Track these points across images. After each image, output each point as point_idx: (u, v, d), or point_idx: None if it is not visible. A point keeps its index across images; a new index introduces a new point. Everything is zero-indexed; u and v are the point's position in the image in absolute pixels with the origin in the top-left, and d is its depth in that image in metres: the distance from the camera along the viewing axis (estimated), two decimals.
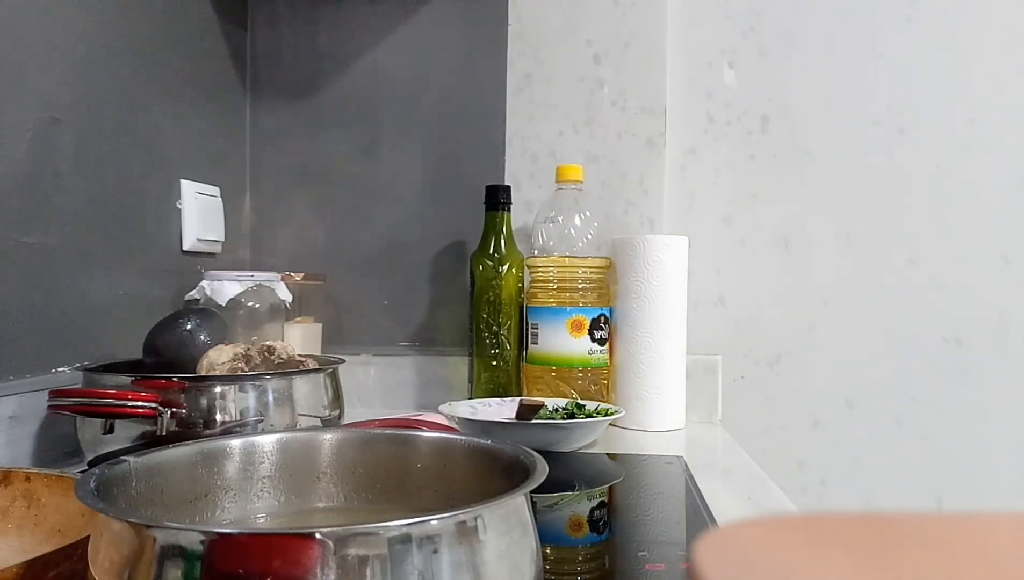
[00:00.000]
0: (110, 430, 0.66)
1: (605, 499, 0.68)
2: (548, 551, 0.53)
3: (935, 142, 1.08)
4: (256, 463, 0.48)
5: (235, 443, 0.48)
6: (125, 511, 0.34)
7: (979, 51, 1.07)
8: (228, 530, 0.36)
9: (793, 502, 0.69)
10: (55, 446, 0.75)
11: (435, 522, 0.32)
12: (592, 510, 0.65)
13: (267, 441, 0.49)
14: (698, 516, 0.60)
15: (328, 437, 0.51)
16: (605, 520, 0.62)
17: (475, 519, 0.34)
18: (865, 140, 1.09)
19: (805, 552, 0.19)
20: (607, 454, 0.83)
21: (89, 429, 0.69)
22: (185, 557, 0.30)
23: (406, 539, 0.32)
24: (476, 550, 0.34)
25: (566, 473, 0.74)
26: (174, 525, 0.32)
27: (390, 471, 0.50)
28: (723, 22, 1.11)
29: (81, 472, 0.49)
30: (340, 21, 1.15)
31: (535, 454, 0.43)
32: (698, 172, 1.11)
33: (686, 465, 0.77)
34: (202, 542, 0.30)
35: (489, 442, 0.48)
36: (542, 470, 0.40)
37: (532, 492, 0.38)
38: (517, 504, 0.37)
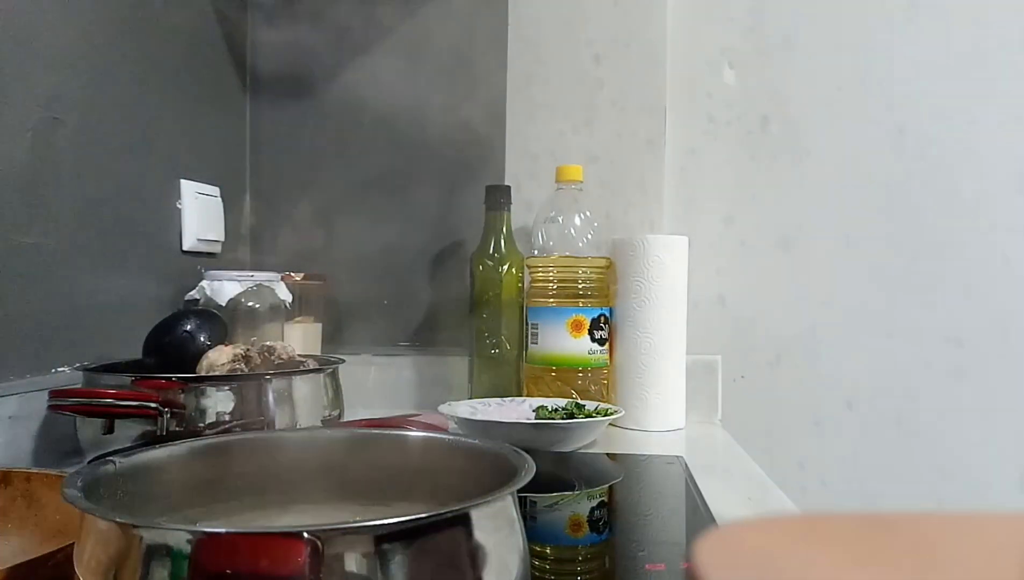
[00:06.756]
0: (110, 430, 0.66)
1: (605, 499, 0.68)
2: (548, 551, 0.53)
3: (935, 142, 1.08)
4: (244, 462, 0.48)
5: (225, 441, 0.48)
6: (111, 510, 0.34)
7: (979, 51, 1.07)
8: (215, 529, 0.35)
9: (793, 502, 0.69)
10: (55, 446, 0.75)
11: (423, 520, 0.32)
12: (592, 510, 0.65)
13: (250, 441, 0.50)
14: (698, 516, 0.60)
15: (317, 436, 0.51)
16: (605, 520, 0.62)
17: (463, 518, 0.34)
18: (865, 140, 1.09)
19: (805, 552, 0.19)
20: (607, 454, 0.83)
21: (89, 429, 0.69)
22: (172, 557, 0.30)
23: (394, 537, 0.32)
24: (464, 549, 0.34)
25: (566, 473, 0.74)
26: (161, 524, 0.31)
27: (379, 470, 0.49)
28: (723, 22, 1.11)
29: None
30: (340, 21, 1.14)
31: (523, 453, 0.43)
32: (698, 172, 1.11)
33: (686, 465, 0.77)
34: (189, 541, 0.30)
35: (477, 442, 0.48)
36: (530, 469, 0.40)
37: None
38: (505, 503, 0.37)
